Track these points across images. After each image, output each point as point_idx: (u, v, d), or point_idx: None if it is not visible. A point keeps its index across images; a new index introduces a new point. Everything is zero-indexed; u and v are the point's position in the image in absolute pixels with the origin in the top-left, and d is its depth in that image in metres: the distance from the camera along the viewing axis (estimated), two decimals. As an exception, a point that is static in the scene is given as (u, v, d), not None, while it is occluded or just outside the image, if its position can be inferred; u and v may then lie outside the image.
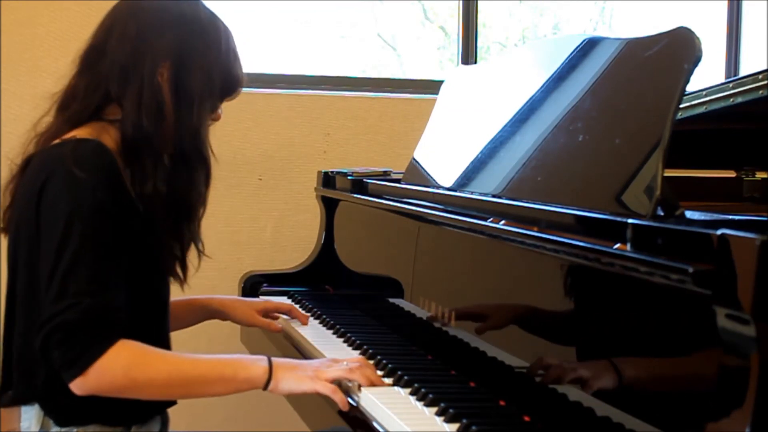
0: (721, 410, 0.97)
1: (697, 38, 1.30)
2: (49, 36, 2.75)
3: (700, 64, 1.29)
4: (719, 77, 3.44)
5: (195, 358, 1.45)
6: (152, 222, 1.50)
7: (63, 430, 1.46)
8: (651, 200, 1.21)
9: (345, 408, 1.44)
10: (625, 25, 3.69)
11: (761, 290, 0.93)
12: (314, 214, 2.52)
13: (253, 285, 2.35)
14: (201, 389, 1.47)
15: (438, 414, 1.34)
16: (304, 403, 1.81)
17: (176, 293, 1.65)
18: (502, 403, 1.40)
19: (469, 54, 3.20)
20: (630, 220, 1.14)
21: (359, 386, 1.46)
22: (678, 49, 1.33)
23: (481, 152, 1.79)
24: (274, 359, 1.48)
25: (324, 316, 2.02)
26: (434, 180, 1.95)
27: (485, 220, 1.51)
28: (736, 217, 1.30)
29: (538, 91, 1.68)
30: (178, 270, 1.59)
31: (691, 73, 1.28)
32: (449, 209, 1.69)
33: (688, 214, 1.22)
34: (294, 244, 2.89)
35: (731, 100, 1.76)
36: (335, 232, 2.41)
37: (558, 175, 1.49)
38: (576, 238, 1.24)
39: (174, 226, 1.54)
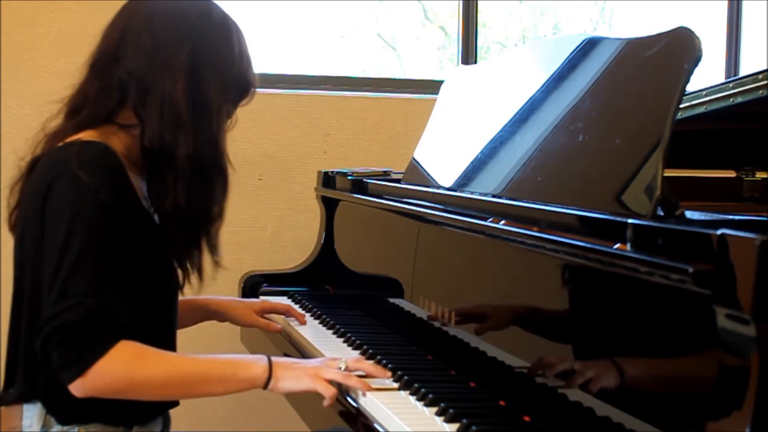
0: (721, 410, 0.97)
1: (697, 38, 1.30)
2: (49, 36, 2.75)
3: (700, 64, 1.29)
4: (719, 77, 3.44)
5: (195, 358, 1.45)
6: (168, 231, 1.51)
7: (64, 428, 1.47)
8: (651, 200, 1.22)
9: (331, 402, 1.45)
10: (625, 25, 3.69)
11: (761, 290, 0.93)
12: (314, 214, 2.52)
13: (253, 285, 2.35)
14: (201, 389, 1.46)
15: (438, 414, 1.34)
16: (304, 403, 1.82)
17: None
18: (502, 403, 1.40)
19: (469, 54, 3.20)
20: (630, 220, 1.14)
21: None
22: (678, 49, 1.33)
23: (481, 152, 1.79)
24: (274, 358, 1.48)
25: (324, 316, 2.02)
26: (434, 180, 1.95)
27: (485, 220, 1.51)
28: (736, 217, 1.30)
29: (538, 91, 1.68)
30: (194, 278, 1.59)
31: (691, 73, 1.28)
32: (449, 209, 1.69)
33: (688, 214, 1.22)
34: (294, 244, 2.89)
35: (731, 100, 1.76)
36: (335, 232, 2.41)
37: (558, 175, 1.49)
38: (576, 238, 1.24)
39: (192, 237, 1.54)
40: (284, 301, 2.24)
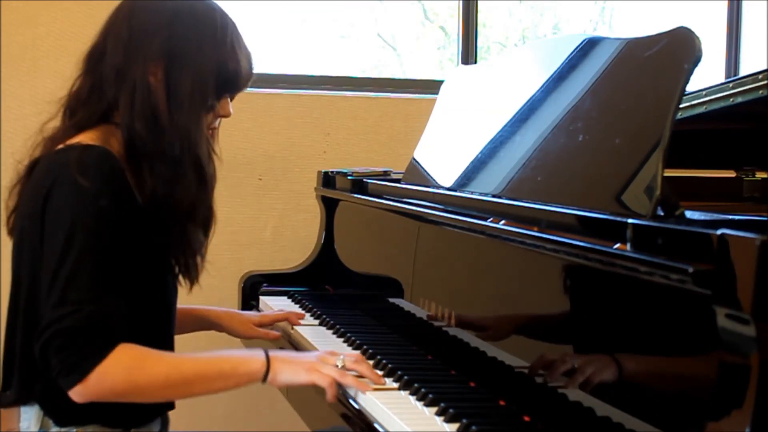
0: (721, 410, 0.97)
1: (697, 38, 1.30)
2: (49, 36, 2.75)
3: (700, 64, 1.29)
4: (719, 77, 3.44)
5: (193, 357, 1.45)
6: (157, 225, 1.49)
7: (62, 430, 1.46)
8: (651, 200, 1.22)
9: (333, 391, 1.45)
10: (625, 25, 3.69)
11: (761, 290, 0.93)
12: (314, 214, 2.52)
13: (253, 285, 2.35)
14: (201, 387, 1.46)
15: (438, 414, 1.34)
16: (304, 402, 1.82)
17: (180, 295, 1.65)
18: (502, 403, 1.40)
19: (469, 54, 3.20)
20: (630, 220, 1.14)
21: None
22: (678, 49, 1.33)
23: (481, 152, 1.79)
24: (271, 352, 1.49)
25: (324, 316, 2.02)
26: (434, 180, 1.95)
27: (485, 220, 1.51)
28: (736, 217, 1.30)
29: (538, 91, 1.68)
30: (181, 275, 1.58)
31: (691, 73, 1.28)
32: (449, 209, 1.69)
33: (688, 214, 1.22)
34: (294, 244, 2.89)
35: (731, 100, 1.76)
36: (335, 232, 2.41)
37: (558, 175, 1.49)
38: (576, 238, 1.24)
39: (176, 229, 1.52)
40: (284, 300, 2.24)
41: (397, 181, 2.14)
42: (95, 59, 1.53)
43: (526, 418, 1.33)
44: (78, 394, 1.36)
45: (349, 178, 2.29)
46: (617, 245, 1.16)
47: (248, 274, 2.38)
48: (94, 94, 1.52)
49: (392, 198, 2.01)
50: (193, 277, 1.58)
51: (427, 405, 1.38)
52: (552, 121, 1.57)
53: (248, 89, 2.98)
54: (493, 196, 1.61)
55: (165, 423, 1.63)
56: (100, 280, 1.38)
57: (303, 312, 2.06)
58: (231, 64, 1.53)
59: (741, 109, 1.75)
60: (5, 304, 1.53)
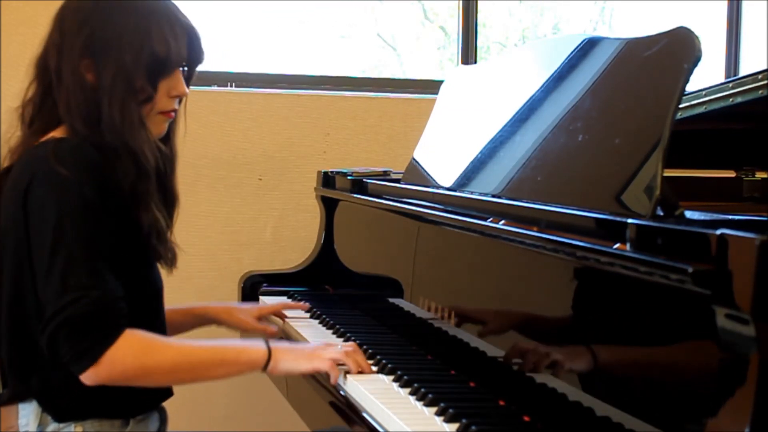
0: (721, 410, 0.97)
1: (697, 38, 1.30)
2: (49, 36, 2.75)
3: (700, 64, 1.29)
4: (719, 77, 3.44)
5: (199, 345, 1.50)
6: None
7: (61, 426, 1.48)
8: (651, 200, 1.21)
9: (336, 374, 1.50)
10: (625, 25, 3.69)
11: (761, 290, 0.93)
12: (314, 214, 2.52)
13: (252, 285, 2.35)
14: (206, 373, 1.52)
15: (438, 414, 1.34)
16: (304, 403, 1.82)
17: (171, 295, 1.65)
18: (501, 403, 1.40)
19: (469, 54, 3.20)
20: (630, 220, 1.14)
21: (356, 382, 1.47)
22: (678, 49, 1.33)
23: (480, 152, 1.79)
24: (272, 342, 1.53)
25: (324, 316, 2.02)
26: (434, 180, 1.95)
27: (485, 220, 1.51)
28: (736, 217, 1.30)
29: (538, 91, 1.68)
30: (156, 260, 1.59)
31: (690, 72, 1.28)
32: (449, 209, 1.69)
33: (688, 214, 1.22)
34: (294, 244, 2.89)
35: (731, 100, 1.75)
36: (335, 232, 2.41)
37: (558, 175, 1.49)
38: (576, 238, 1.24)
39: (134, 216, 1.50)
40: (284, 301, 2.24)
41: (397, 181, 2.14)
42: (41, 65, 1.55)
43: (526, 418, 1.33)
44: (90, 377, 1.40)
45: (348, 178, 2.29)
46: (617, 245, 1.16)
47: (248, 274, 2.38)
48: (47, 100, 1.54)
49: (392, 198, 2.01)
50: (165, 260, 1.59)
51: (427, 405, 1.38)
52: (552, 121, 1.57)
53: (248, 89, 2.98)
54: (493, 196, 1.61)
55: (164, 419, 1.63)
56: (96, 266, 1.40)
57: (305, 304, 2.07)
58: (157, 47, 1.50)
59: (741, 109, 1.75)
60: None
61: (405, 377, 1.49)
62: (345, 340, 1.82)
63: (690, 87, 1.33)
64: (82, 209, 1.40)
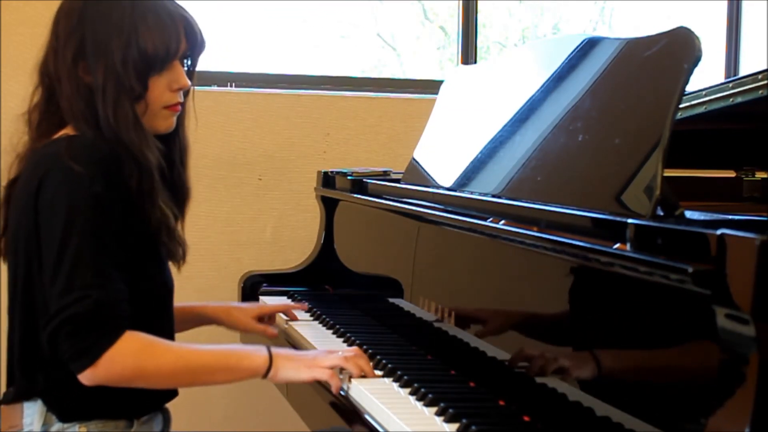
0: (721, 410, 0.97)
1: (697, 38, 1.30)
2: (49, 36, 2.75)
3: (700, 64, 1.29)
4: (719, 77, 3.44)
5: (199, 349, 1.49)
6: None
7: (65, 425, 1.48)
8: (651, 200, 1.21)
9: (338, 384, 1.49)
10: (625, 25, 3.69)
11: (761, 290, 0.93)
12: (314, 214, 2.52)
13: (252, 285, 2.35)
14: (206, 378, 1.51)
15: (438, 414, 1.34)
16: (304, 402, 1.82)
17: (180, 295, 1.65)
18: (501, 403, 1.40)
19: (469, 54, 3.20)
20: (630, 220, 1.14)
21: (357, 383, 1.47)
22: (678, 49, 1.33)
23: (480, 152, 1.79)
24: (273, 349, 1.52)
25: (324, 316, 2.02)
26: (434, 180, 1.95)
27: (485, 220, 1.51)
28: (736, 217, 1.30)
29: (538, 91, 1.68)
30: (167, 258, 1.59)
31: (690, 72, 1.28)
32: (449, 209, 1.69)
33: (688, 214, 1.22)
34: (294, 244, 2.89)
35: (731, 100, 1.75)
36: (335, 232, 2.41)
37: (558, 175, 1.49)
38: (576, 238, 1.24)
39: (144, 213, 1.50)
40: (284, 301, 2.24)
41: (397, 181, 2.14)
42: (43, 71, 1.56)
43: (526, 418, 1.33)
44: (88, 378, 1.39)
45: (348, 178, 2.29)
46: (617, 245, 1.16)
47: (248, 274, 2.38)
48: (52, 104, 1.55)
49: (392, 198, 2.01)
50: (174, 256, 1.58)
51: (427, 405, 1.38)
52: (552, 121, 1.57)
53: (248, 89, 2.98)
54: (493, 196, 1.61)
55: (167, 420, 1.64)
56: (102, 266, 1.40)
57: (304, 304, 2.07)
58: (145, 44, 1.49)
59: (741, 109, 1.75)
60: (5, 305, 1.54)
61: (405, 377, 1.49)
62: (345, 340, 1.82)
63: (690, 87, 1.33)
64: (92, 205, 1.40)
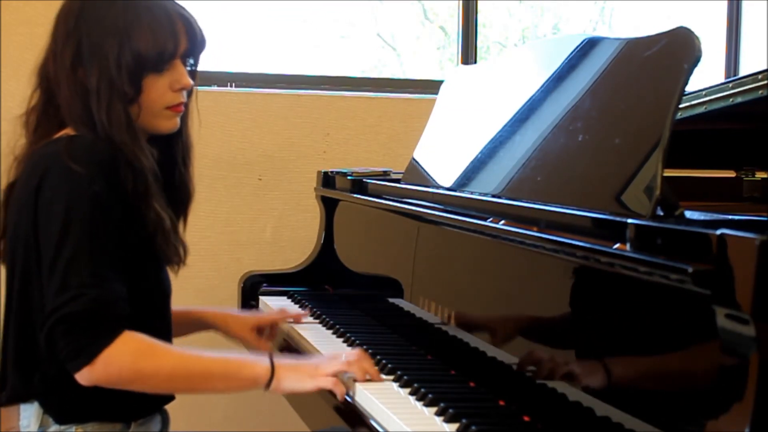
0: (721, 410, 0.97)
1: (697, 38, 1.30)
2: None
3: (700, 64, 1.29)
4: (719, 77, 3.44)
5: (200, 355, 1.47)
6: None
7: (62, 428, 1.47)
8: (651, 200, 1.21)
9: (343, 392, 1.46)
10: (625, 25, 3.69)
11: (761, 290, 0.93)
12: (314, 214, 2.52)
13: (252, 285, 2.35)
14: (204, 384, 1.48)
15: (438, 414, 1.33)
16: (304, 403, 1.82)
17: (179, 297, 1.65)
18: (501, 403, 1.40)
19: (469, 54, 3.20)
20: (630, 220, 1.14)
21: (359, 386, 1.47)
22: (677, 49, 1.33)
23: (480, 152, 1.79)
24: (276, 359, 1.49)
25: (324, 316, 2.02)
26: (434, 180, 1.95)
27: (485, 220, 1.51)
28: (736, 217, 1.30)
29: (538, 91, 1.68)
30: (165, 261, 1.58)
31: (690, 72, 1.28)
32: (449, 209, 1.69)
33: (688, 214, 1.22)
34: (294, 244, 2.89)
35: (731, 100, 1.75)
36: (335, 232, 2.41)
37: (558, 175, 1.49)
38: (576, 238, 1.24)
39: (141, 215, 1.50)
40: (284, 300, 2.24)
41: (397, 181, 2.14)
42: (43, 73, 1.55)
43: (526, 418, 1.33)
44: (84, 377, 1.38)
45: (348, 178, 2.29)
46: (617, 245, 1.15)
47: (248, 274, 2.38)
48: (50, 107, 1.54)
49: (392, 198, 2.01)
50: (170, 260, 1.57)
51: (427, 405, 1.38)
52: (552, 121, 1.57)
53: (248, 89, 2.98)
54: (493, 196, 1.61)
55: (165, 420, 1.63)
56: (100, 265, 1.39)
57: (302, 312, 2.06)
58: (139, 46, 1.48)
59: (741, 109, 1.75)
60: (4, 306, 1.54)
61: (405, 377, 1.49)
62: (345, 341, 1.82)
63: (690, 87, 1.33)
64: (91, 205, 1.40)
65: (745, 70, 3.46)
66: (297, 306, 2.17)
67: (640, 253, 1.10)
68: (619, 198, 1.29)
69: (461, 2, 3.20)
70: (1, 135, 1.60)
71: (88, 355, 1.36)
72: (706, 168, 2.23)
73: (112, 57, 1.47)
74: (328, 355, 1.60)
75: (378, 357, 1.62)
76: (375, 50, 3.46)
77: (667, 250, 1.07)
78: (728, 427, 0.96)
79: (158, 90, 1.52)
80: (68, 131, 1.51)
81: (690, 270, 0.99)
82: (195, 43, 1.56)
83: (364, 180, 2.23)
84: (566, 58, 1.64)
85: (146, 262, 1.53)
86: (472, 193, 1.71)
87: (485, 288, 1.58)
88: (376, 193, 2.13)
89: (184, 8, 1.55)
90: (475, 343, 1.53)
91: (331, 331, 1.91)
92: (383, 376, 1.53)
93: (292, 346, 1.89)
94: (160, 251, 1.54)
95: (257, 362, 1.48)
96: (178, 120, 1.57)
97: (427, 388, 1.42)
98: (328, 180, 2.43)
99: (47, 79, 1.54)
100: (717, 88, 1.80)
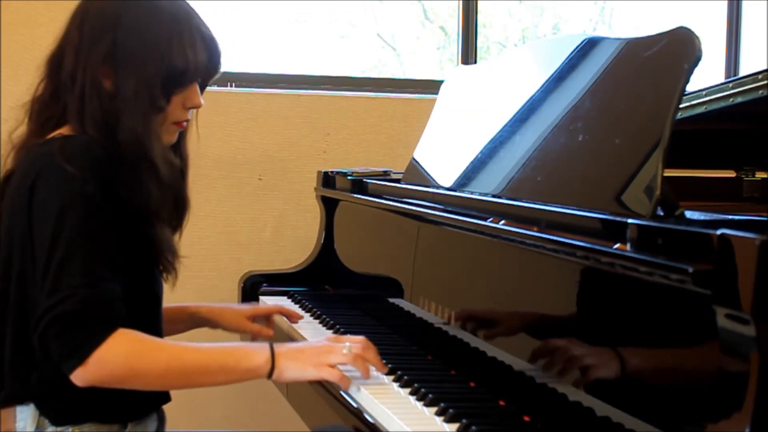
0: (721, 410, 0.97)
1: (697, 38, 1.30)
2: (49, 36, 2.73)
3: (700, 64, 1.29)
4: (719, 77, 3.44)
5: (196, 348, 1.45)
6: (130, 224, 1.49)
7: (59, 429, 1.47)
8: (651, 200, 1.21)
9: (346, 383, 1.45)
10: (625, 25, 3.69)
11: (761, 290, 0.93)
12: (314, 214, 2.52)
13: (253, 285, 2.35)
14: (202, 379, 1.46)
15: (438, 414, 1.33)
16: (303, 402, 1.82)
17: (171, 295, 1.64)
18: (502, 403, 1.40)
19: (469, 54, 3.20)
20: (630, 220, 1.14)
21: (359, 385, 1.47)
22: (678, 49, 1.33)
23: (481, 152, 1.79)
24: (276, 346, 1.47)
25: (324, 316, 2.02)
26: (434, 180, 1.95)
27: (485, 220, 1.51)
28: (736, 217, 1.30)
29: (538, 91, 1.68)
30: (162, 271, 1.57)
31: (690, 72, 1.28)
32: (449, 209, 1.69)
33: (688, 214, 1.22)
34: (294, 244, 2.89)
35: (731, 100, 1.75)
36: (335, 232, 2.41)
37: (558, 175, 1.49)
38: (576, 238, 1.24)
39: (143, 229, 1.50)
40: (284, 300, 2.24)
41: (397, 181, 2.14)
42: (55, 64, 1.54)
43: (526, 418, 1.33)
44: (78, 378, 1.37)
45: (349, 178, 2.29)
46: (617, 245, 1.16)
47: (248, 274, 2.38)
48: (57, 99, 1.53)
49: (392, 198, 2.01)
50: (169, 272, 1.57)
51: (427, 405, 1.38)
52: (552, 121, 1.57)
53: (248, 89, 2.98)
54: (493, 196, 1.61)
55: (162, 421, 1.63)
56: (92, 266, 1.38)
57: (301, 312, 2.06)
58: (177, 60, 1.49)
59: (741, 109, 1.75)
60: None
61: (405, 377, 1.49)
62: (345, 340, 1.82)
63: (690, 87, 1.32)
64: (84, 206, 1.39)
65: (745, 70, 3.46)
66: (297, 306, 2.17)
67: (641, 253, 1.10)
68: (620, 198, 1.29)
69: (461, 2, 3.20)
70: (1, 135, 1.60)
71: (81, 356, 1.35)
72: (706, 168, 2.23)
73: (152, 69, 1.47)
74: (331, 337, 1.56)
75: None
76: (375, 50, 3.46)
77: (667, 250, 1.07)
78: (728, 428, 0.96)
79: (173, 105, 1.53)
80: (64, 130, 1.50)
81: (690, 270, 0.99)
82: (215, 66, 1.57)
83: (364, 180, 2.23)
84: (566, 58, 1.64)
85: (140, 265, 1.52)
86: (472, 193, 1.71)
87: (485, 288, 1.58)
88: (377, 193, 2.13)
89: (209, 29, 1.55)
90: (476, 343, 1.53)
91: (331, 331, 1.91)
92: (385, 377, 1.53)
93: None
94: (165, 264, 1.54)
95: (257, 352, 1.45)
96: (177, 135, 1.59)
97: (428, 388, 1.42)
98: (328, 180, 2.43)
99: (59, 71, 1.52)
100: (717, 88, 1.80)
